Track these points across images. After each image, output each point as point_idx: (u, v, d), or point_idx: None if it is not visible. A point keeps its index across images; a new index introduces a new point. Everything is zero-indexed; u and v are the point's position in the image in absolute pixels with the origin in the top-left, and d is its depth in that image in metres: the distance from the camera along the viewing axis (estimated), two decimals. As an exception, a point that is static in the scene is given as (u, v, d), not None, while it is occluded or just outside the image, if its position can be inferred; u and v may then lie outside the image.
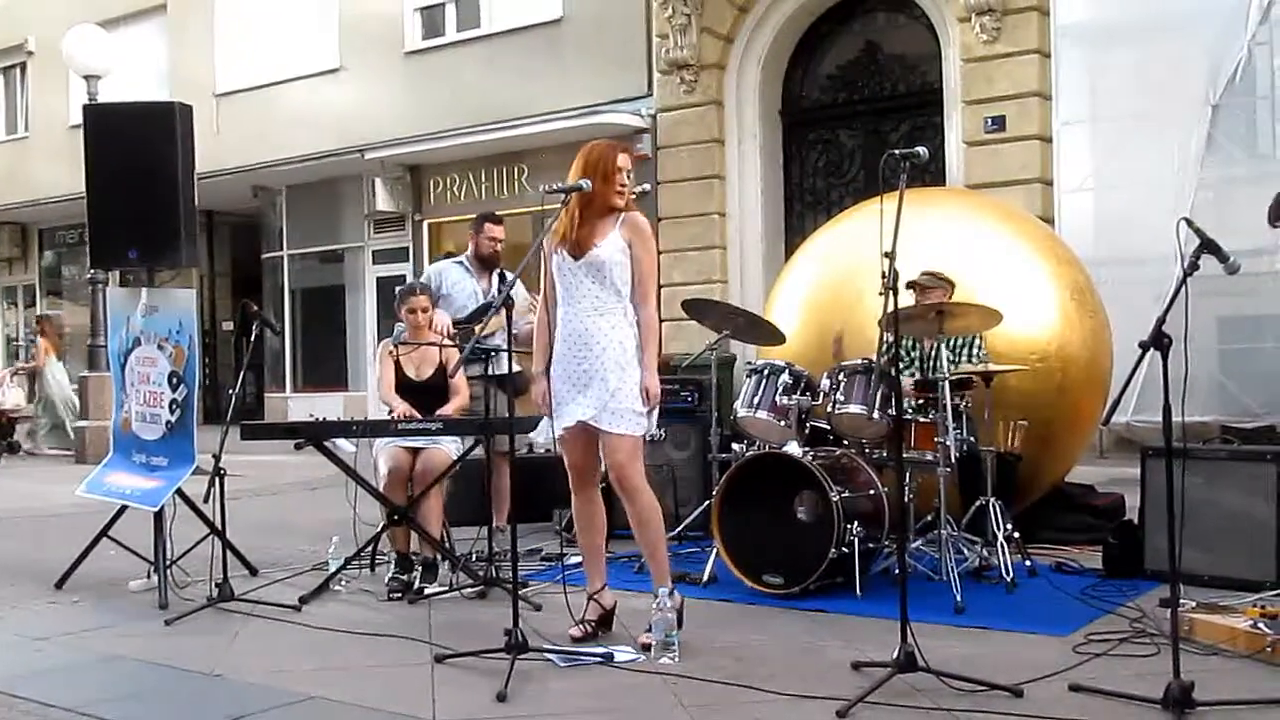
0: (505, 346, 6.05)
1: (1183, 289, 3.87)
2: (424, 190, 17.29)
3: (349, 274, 18.61)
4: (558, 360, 4.75)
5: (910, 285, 6.15)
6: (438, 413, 6.20)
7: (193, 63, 19.26)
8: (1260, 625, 4.40)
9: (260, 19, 18.89)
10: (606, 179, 4.70)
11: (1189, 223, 3.99)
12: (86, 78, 13.90)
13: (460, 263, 7.21)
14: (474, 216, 7.51)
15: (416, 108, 16.80)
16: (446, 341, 6.43)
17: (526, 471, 7.25)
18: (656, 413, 4.77)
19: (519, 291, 7.04)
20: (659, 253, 14.18)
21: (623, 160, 4.76)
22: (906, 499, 5.77)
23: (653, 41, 14.57)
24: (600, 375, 4.64)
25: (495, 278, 7.06)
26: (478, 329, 6.43)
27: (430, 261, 16.69)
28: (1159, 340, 3.78)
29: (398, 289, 6.81)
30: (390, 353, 6.36)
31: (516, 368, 6.51)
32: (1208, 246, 3.92)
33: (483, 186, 16.54)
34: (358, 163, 17.04)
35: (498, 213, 7.55)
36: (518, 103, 15.49)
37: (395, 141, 16.70)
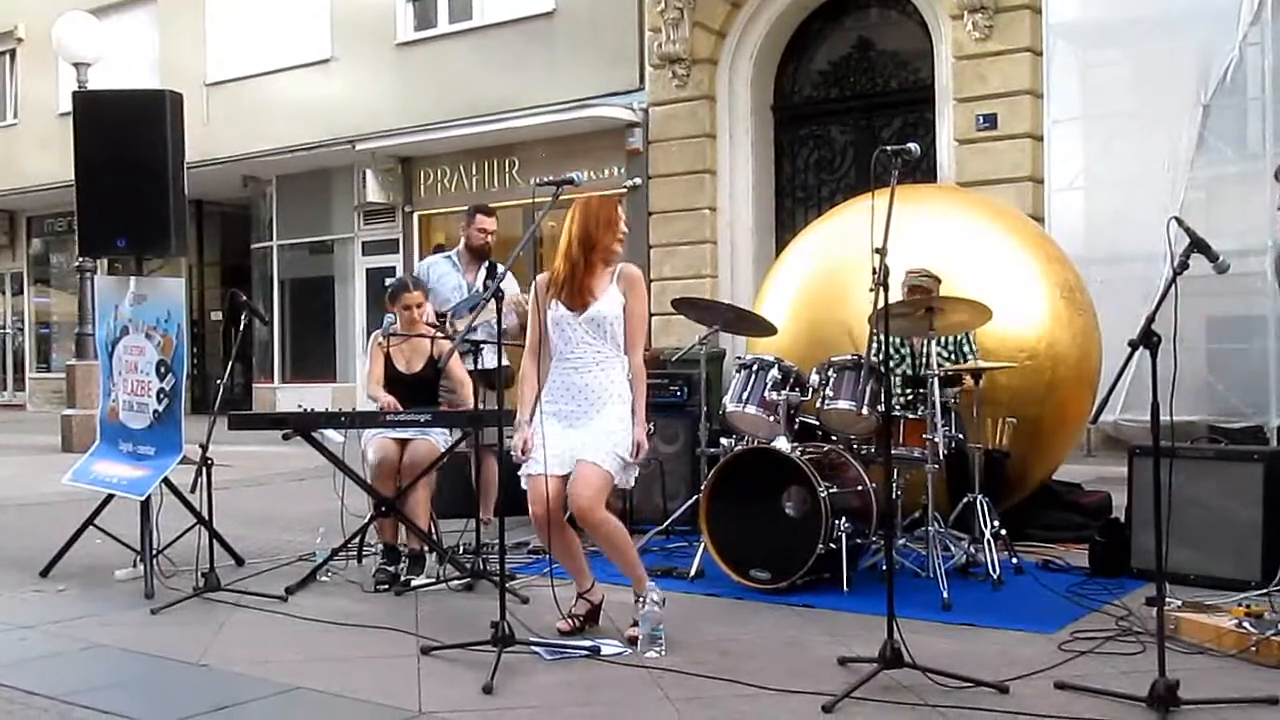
0: (493, 340, 6.05)
1: (1172, 288, 3.88)
2: (415, 182, 17.25)
3: (339, 265, 18.58)
4: (558, 410, 4.70)
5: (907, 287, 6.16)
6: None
7: (183, 52, 19.19)
8: (1245, 624, 4.42)
9: (252, 8, 18.83)
10: (610, 227, 4.72)
11: (1179, 222, 4.00)
12: (76, 65, 13.82)
13: (449, 257, 7.20)
14: (466, 208, 7.49)
15: (408, 99, 16.76)
16: (438, 333, 6.41)
17: (515, 465, 7.24)
18: (635, 471, 4.78)
19: (510, 285, 7.03)
20: (650, 247, 14.26)
21: (620, 211, 4.81)
22: (894, 495, 5.77)
23: (645, 35, 14.55)
24: (597, 422, 4.64)
25: (484, 271, 7.05)
26: (459, 324, 6.44)
27: (419, 253, 16.72)
28: (1148, 339, 3.79)
29: (388, 283, 6.78)
30: (381, 345, 6.34)
31: (504, 361, 6.50)
32: (1197, 246, 3.94)
33: (474, 179, 16.51)
34: (348, 154, 17.01)
35: (490, 205, 7.51)
36: (509, 95, 15.47)
37: (386, 133, 16.65)
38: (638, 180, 14.46)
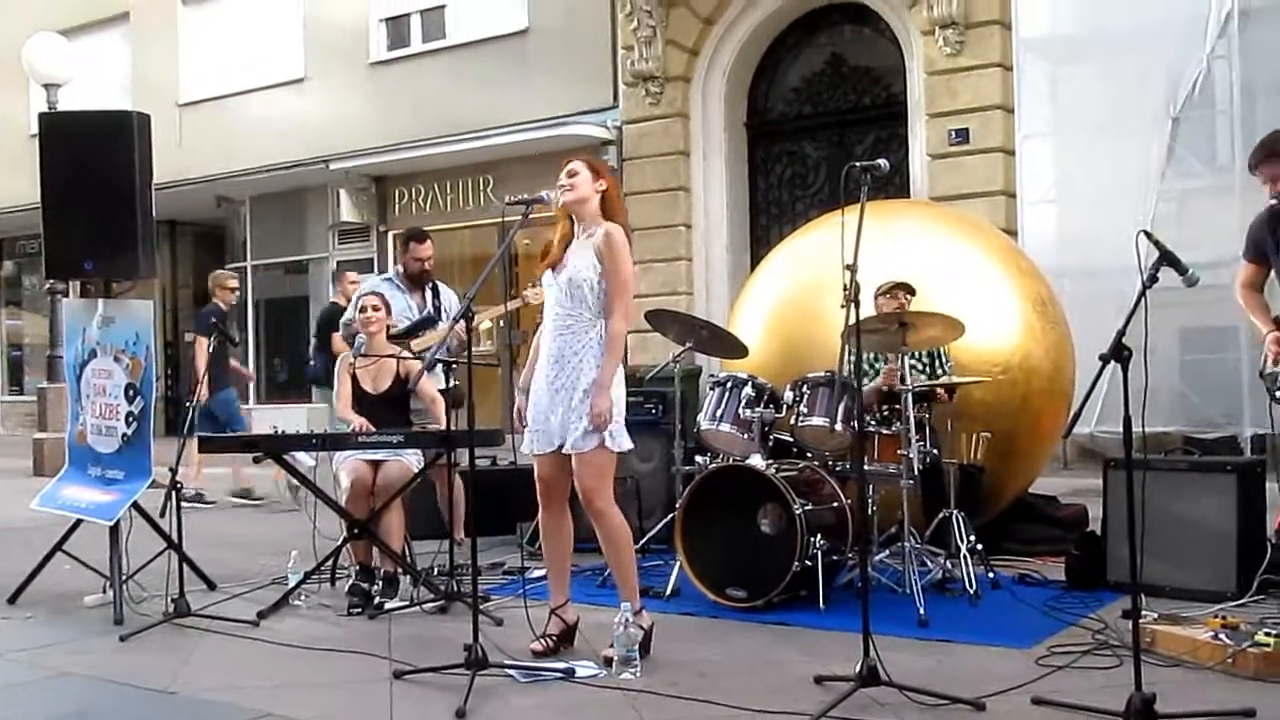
0: (461, 360, 6.05)
1: (1142, 301, 3.88)
2: (389, 201, 17.21)
3: (313, 285, 18.49)
4: (538, 377, 4.77)
5: (886, 291, 6.16)
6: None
7: (156, 72, 19.10)
8: (1222, 636, 4.42)
9: (224, 28, 18.77)
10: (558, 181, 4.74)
11: (1148, 235, 4.01)
12: (47, 86, 13.76)
13: (390, 279, 7.25)
14: (438, 228, 7.51)
15: (381, 118, 16.72)
16: (405, 354, 6.38)
17: (489, 484, 7.20)
18: (622, 430, 4.72)
19: (450, 298, 7.12)
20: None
21: (571, 165, 4.79)
22: (870, 511, 5.75)
23: (618, 53, 14.57)
24: (570, 398, 4.64)
25: (429, 292, 7.10)
26: (415, 344, 6.46)
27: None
28: (1118, 353, 3.78)
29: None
30: (349, 367, 6.31)
31: (452, 381, 6.52)
32: (1167, 259, 3.94)
33: (448, 198, 16.48)
34: (322, 173, 16.95)
35: (423, 230, 7.53)
36: (483, 114, 15.45)
37: (360, 152, 16.60)
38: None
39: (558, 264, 4.76)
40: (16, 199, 19.06)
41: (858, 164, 4.41)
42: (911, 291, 6.23)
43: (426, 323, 6.88)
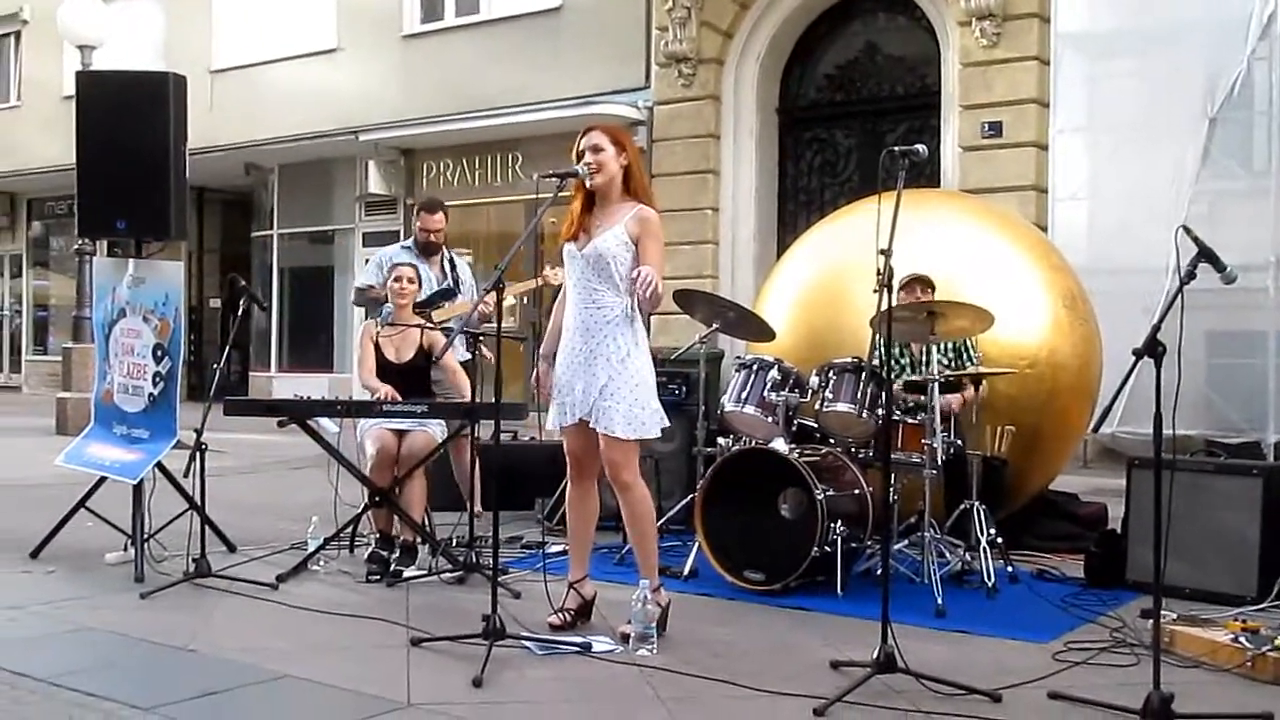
0: (471, 330, 6.08)
1: (1179, 298, 3.84)
2: (417, 174, 17.22)
3: (339, 255, 18.53)
4: (563, 348, 4.75)
5: (904, 285, 6.13)
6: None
7: (189, 38, 19.14)
8: (1241, 640, 4.40)
9: (258, -4, 18.83)
10: (579, 159, 4.71)
11: (1188, 231, 3.97)
12: (81, 48, 13.80)
13: (408, 248, 7.22)
14: (465, 203, 7.50)
15: (412, 91, 16.73)
16: (430, 324, 6.38)
17: (509, 459, 7.21)
18: (656, 410, 4.67)
19: (464, 273, 7.13)
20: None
21: (584, 141, 4.73)
22: (891, 500, 5.74)
23: (652, 34, 14.51)
24: (592, 371, 4.62)
25: (447, 264, 7.08)
26: (435, 315, 6.47)
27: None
28: (1153, 348, 3.75)
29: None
30: (373, 335, 6.31)
31: (467, 355, 6.55)
32: (1206, 255, 3.90)
33: (476, 173, 16.47)
34: (351, 144, 16.97)
35: (442, 200, 7.56)
36: (514, 90, 15.44)
37: (390, 124, 16.62)
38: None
39: (578, 236, 4.72)
40: (47, 160, 19.20)
41: (895, 148, 4.37)
42: (931, 286, 6.20)
43: (445, 294, 6.88)
